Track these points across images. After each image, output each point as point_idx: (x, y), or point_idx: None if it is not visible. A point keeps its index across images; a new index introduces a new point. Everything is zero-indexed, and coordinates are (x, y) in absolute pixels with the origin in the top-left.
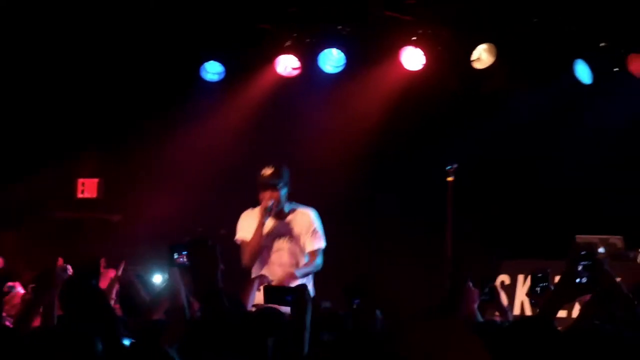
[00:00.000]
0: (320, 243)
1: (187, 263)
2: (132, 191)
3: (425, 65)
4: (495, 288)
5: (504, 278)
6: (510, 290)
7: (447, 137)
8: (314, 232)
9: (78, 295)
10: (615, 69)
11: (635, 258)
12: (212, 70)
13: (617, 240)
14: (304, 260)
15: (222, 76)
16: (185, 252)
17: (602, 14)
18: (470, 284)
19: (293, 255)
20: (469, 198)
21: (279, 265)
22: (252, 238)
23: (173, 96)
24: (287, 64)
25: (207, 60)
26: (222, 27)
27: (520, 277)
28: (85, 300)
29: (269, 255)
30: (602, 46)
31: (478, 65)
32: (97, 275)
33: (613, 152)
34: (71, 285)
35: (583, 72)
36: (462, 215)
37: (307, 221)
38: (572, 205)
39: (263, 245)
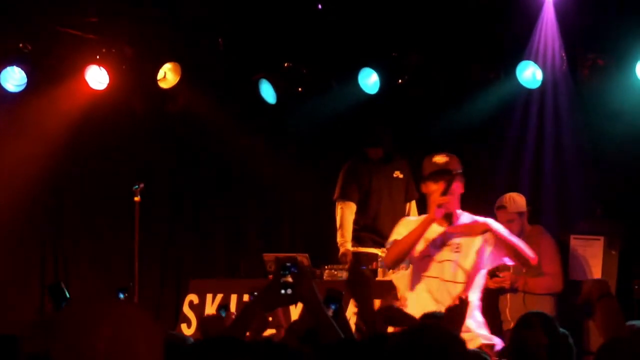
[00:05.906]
0: None
1: None
2: None
3: (110, 85)
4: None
5: (193, 297)
6: (199, 309)
7: (133, 157)
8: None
9: None
10: (299, 89)
11: (322, 275)
12: None
13: (303, 258)
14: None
15: None
16: None
17: (286, 34)
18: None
19: (459, 269)
20: (156, 218)
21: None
22: (408, 236)
23: None
24: None
25: None
26: None
27: (209, 296)
28: None
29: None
30: (286, 66)
31: (163, 85)
32: None
33: (301, 169)
34: None
35: (267, 91)
36: (151, 236)
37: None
38: (263, 225)
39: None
